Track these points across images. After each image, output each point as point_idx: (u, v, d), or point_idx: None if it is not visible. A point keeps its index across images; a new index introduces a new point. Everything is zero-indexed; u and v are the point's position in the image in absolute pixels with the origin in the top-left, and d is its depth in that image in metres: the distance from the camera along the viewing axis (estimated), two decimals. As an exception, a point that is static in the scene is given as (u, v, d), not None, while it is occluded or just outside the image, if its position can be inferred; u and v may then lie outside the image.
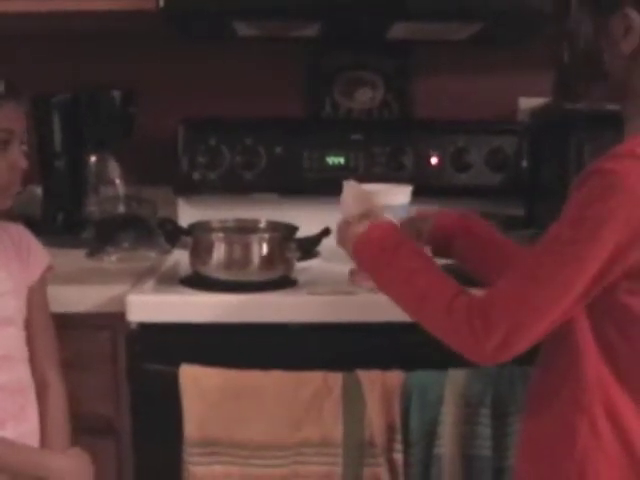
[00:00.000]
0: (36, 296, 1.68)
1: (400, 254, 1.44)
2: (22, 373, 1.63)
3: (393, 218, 1.96)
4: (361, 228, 1.51)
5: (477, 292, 1.35)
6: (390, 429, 1.65)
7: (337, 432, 1.65)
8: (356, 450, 1.65)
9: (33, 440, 1.62)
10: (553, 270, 1.25)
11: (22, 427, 1.60)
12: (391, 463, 1.65)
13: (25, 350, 1.64)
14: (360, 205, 1.60)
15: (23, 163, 1.60)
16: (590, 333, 1.32)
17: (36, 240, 1.73)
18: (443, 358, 1.59)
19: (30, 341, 1.65)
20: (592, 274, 1.24)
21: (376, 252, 1.47)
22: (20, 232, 1.71)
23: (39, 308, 1.68)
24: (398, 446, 1.65)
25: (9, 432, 1.57)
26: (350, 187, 1.67)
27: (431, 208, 1.73)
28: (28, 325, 1.65)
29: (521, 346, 1.28)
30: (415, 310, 1.41)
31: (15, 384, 1.61)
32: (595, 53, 1.35)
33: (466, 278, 1.64)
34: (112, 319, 1.77)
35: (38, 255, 1.71)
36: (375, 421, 1.64)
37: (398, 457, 1.64)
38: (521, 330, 1.27)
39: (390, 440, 1.65)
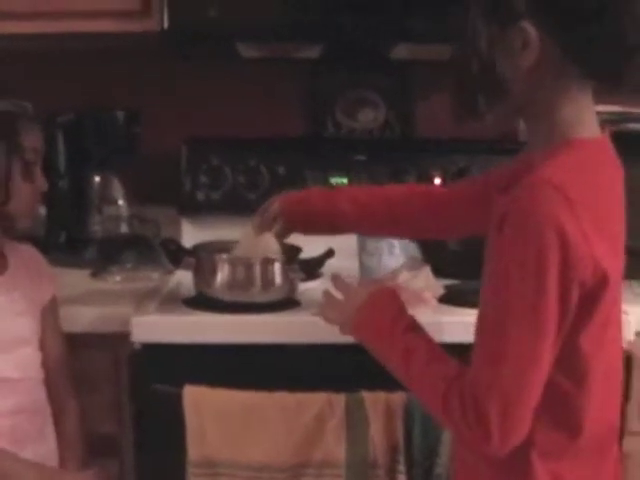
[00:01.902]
0: (49, 317, 1.69)
1: (395, 333, 1.37)
2: (39, 394, 1.64)
3: (397, 246, 1.97)
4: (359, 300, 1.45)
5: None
6: (393, 449, 1.65)
7: (340, 452, 1.65)
8: (359, 470, 1.65)
9: (52, 461, 1.64)
10: (517, 336, 1.20)
11: (42, 448, 1.62)
12: (393, 484, 1.65)
13: (41, 371, 1.65)
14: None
15: (44, 185, 1.63)
16: None
17: (45, 262, 1.74)
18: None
19: (44, 362, 1.66)
20: (555, 319, 1.20)
21: (374, 329, 1.41)
22: (31, 253, 1.72)
23: (52, 329, 1.69)
24: (401, 467, 1.65)
25: (29, 453, 1.58)
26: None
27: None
28: (42, 346, 1.66)
29: (524, 417, 1.22)
30: (414, 392, 1.37)
31: (33, 406, 1.62)
32: (491, 69, 1.29)
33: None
34: (115, 339, 1.77)
35: (48, 276, 1.72)
36: (378, 441, 1.64)
37: (401, 478, 1.64)
38: (514, 405, 1.21)
39: (393, 461, 1.65)
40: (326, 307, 1.53)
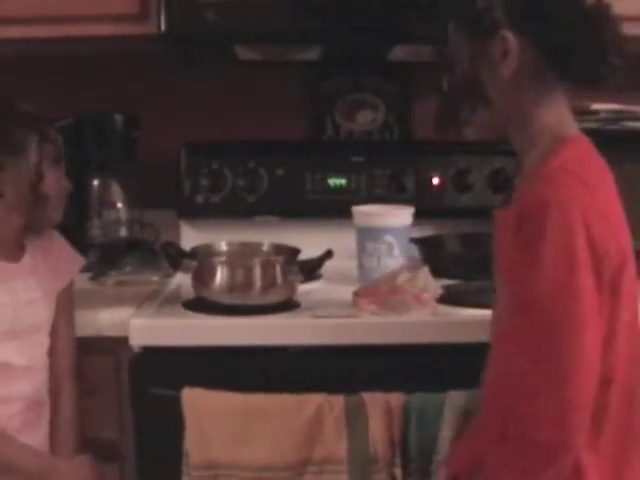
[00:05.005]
0: (63, 302, 1.72)
1: None
2: (41, 383, 1.67)
3: (395, 240, 1.98)
4: None
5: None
6: (392, 444, 1.65)
7: (341, 449, 1.64)
8: (361, 465, 1.65)
9: (43, 447, 1.66)
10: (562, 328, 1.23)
11: (36, 435, 1.64)
12: (391, 477, 1.65)
13: (46, 359, 1.68)
14: None
15: (69, 185, 1.70)
16: None
17: (67, 245, 1.78)
18: (444, 379, 1.60)
19: (51, 347, 1.69)
20: (592, 300, 1.23)
21: None
22: (52, 237, 1.76)
23: (64, 316, 1.72)
24: (397, 461, 1.65)
25: (23, 439, 1.61)
26: None
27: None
28: (53, 330, 1.69)
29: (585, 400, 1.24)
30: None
31: (34, 395, 1.65)
32: (474, 79, 1.34)
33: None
34: (115, 343, 1.77)
35: (67, 262, 1.75)
36: (378, 436, 1.64)
37: (397, 472, 1.64)
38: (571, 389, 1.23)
39: (391, 456, 1.65)
40: None
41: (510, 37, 1.29)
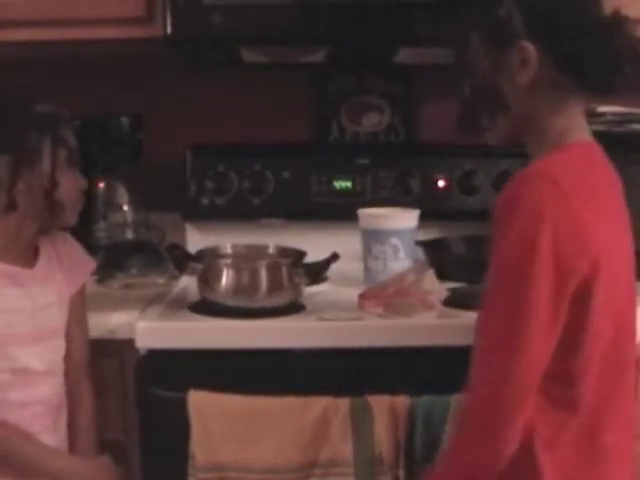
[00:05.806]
0: (76, 306, 1.72)
1: None
2: (59, 387, 1.67)
3: (400, 242, 1.98)
4: None
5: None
6: (396, 446, 1.65)
7: (347, 450, 1.65)
8: (367, 467, 1.65)
9: (63, 447, 1.67)
10: (505, 329, 1.28)
11: (55, 438, 1.65)
12: (396, 479, 1.65)
13: (62, 362, 1.68)
14: None
15: (84, 183, 1.69)
16: None
17: (80, 248, 1.78)
18: (449, 382, 1.59)
19: (66, 350, 1.69)
20: (546, 305, 1.25)
21: None
22: (65, 241, 1.76)
23: (77, 318, 1.73)
24: (403, 463, 1.65)
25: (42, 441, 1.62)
26: None
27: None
28: (66, 334, 1.70)
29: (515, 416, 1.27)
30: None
31: (53, 398, 1.65)
32: (494, 86, 1.36)
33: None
34: (121, 345, 1.77)
35: (80, 265, 1.76)
36: (384, 438, 1.64)
37: (402, 474, 1.65)
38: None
39: (396, 458, 1.66)
40: None
41: (529, 47, 1.31)
